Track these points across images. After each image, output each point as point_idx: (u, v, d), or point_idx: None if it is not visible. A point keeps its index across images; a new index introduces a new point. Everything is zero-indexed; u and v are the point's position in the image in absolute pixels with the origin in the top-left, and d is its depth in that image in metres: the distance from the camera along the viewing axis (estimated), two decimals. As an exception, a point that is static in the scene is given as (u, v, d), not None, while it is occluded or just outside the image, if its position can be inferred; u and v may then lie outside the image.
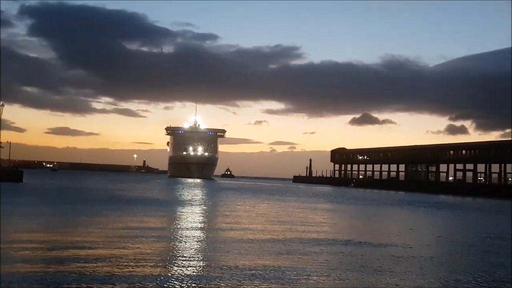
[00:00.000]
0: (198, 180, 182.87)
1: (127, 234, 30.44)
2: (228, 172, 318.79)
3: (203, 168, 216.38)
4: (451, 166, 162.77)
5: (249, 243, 28.65)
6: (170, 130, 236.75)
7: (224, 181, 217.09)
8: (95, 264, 20.64)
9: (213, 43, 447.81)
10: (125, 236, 29.28)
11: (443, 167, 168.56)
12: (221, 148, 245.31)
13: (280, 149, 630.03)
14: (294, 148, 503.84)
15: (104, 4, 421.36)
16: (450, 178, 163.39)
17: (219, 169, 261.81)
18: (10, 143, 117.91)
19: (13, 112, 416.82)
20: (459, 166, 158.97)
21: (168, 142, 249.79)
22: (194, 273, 20.11)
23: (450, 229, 44.04)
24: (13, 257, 21.47)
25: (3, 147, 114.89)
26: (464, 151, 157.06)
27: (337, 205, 71.23)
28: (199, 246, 27.60)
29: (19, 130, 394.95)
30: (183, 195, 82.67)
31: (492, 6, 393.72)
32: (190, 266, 21.41)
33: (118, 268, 20.19)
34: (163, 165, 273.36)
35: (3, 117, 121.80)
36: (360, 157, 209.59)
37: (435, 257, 26.25)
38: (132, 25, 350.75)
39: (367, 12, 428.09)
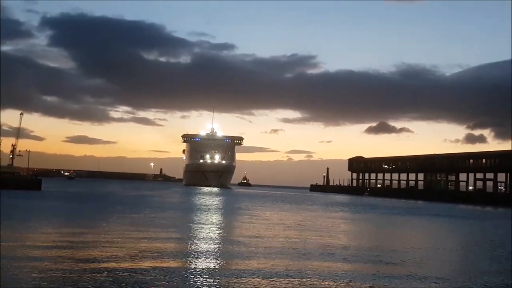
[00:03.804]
0: (215, 189, 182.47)
1: (149, 240, 30.35)
2: (245, 181, 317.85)
3: (221, 176, 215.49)
4: (471, 175, 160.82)
5: (272, 248, 28.49)
6: (187, 138, 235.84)
7: (241, 189, 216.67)
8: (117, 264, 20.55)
9: (229, 53, 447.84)
10: (146, 239, 29.21)
11: (462, 176, 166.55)
12: (238, 156, 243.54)
13: (296, 157, 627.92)
14: (311, 156, 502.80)
15: (123, 15, 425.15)
16: (470, 188, 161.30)
17: (235, 178, 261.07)
18: (29, 151, 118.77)
19: (33, 121, 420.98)
20: (479, 175, 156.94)
21: (184, 150, 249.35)
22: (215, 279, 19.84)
23: (473, 239, 43.19)
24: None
25: (21, 156, 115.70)
26: (484, 160, 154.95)
27: (356, 215, 70.57)
28: (225, 253, 27.36)
29: (38, 138, 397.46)
30: (204, 203, 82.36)
31: (508, 15, 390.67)
32: (212, 273, 21.20)
33: (137, 268, 20.13)
34: (180, 174, 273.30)
35: (21, 125, 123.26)
36: (378, 166, 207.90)
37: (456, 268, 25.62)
38: (150, 36, 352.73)
39: (382, 22, 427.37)
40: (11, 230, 33.13)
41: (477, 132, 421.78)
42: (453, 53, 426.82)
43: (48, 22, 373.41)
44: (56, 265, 21.54)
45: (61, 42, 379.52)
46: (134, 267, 21.75)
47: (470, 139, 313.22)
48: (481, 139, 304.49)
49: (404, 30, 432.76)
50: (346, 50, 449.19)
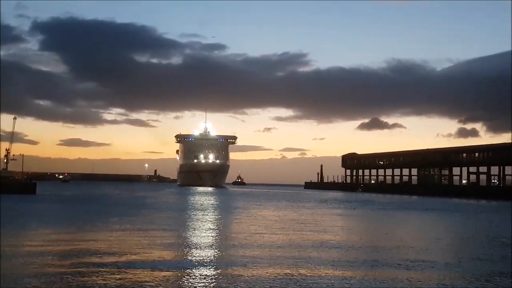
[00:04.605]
0: (210, 188, 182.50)
1: (143, 238, 30.58)
2: (239, 180, 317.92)
3: (215, 176, 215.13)
4: (464, 169, 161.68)
5: (270, 246, 28.88)
6: (180, 138, 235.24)
7: (236, 188, 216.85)
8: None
9: (221, 53, 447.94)
10: (141, 240, 29.45)
11: (456, 170, 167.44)
12: (231, 155, 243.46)
13: (290, 155, 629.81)
14: (305, 154, 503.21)
15: (114, 18, 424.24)
16: (464, 181, 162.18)
17: (229, 177, 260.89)
18: (23, 155, 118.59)
19: (26, 125, 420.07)
20: (473, 169, 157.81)
21: (177, 150, 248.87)
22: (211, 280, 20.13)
23: (468, 233, 43.64)
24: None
25: (15, 160, 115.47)
26: (477, 154, 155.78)
27: (351, 211, 71.03)
28: (223, 253, 27.65)
29: (32, 142, 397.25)
30: (199, 203, 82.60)
31: (498, 8, 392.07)
32: (209, 273, 21.52)
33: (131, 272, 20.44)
34: (174, 174, 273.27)
35: (15, 130, 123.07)
36: (372, 162, 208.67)
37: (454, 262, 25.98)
38: (141, 38, 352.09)
39: (372, 18, 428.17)
40: (10, 232, 33.36)
41: (469, 126, 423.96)
42: (443, 48, 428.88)
43: (39, 27, 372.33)
44: (55, 267, 21.82)
45: (53, 46, 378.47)
46: (133, 268, 22.00)
47: (462, 133, 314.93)
48: (474, 133, 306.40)
49: (394, 26, 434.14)
50: (336, 47, 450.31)
